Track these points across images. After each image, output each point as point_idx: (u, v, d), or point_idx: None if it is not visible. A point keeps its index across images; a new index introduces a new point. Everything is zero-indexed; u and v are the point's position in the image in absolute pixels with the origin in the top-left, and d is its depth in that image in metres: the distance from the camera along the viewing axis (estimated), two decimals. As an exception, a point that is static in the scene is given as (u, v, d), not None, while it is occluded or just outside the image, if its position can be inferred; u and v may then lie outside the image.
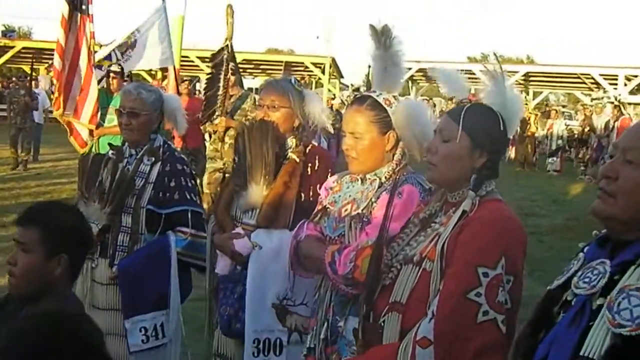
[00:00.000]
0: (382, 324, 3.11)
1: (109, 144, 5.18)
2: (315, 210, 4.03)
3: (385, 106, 3.74)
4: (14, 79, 22.24)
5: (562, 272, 2.50)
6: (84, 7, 9.76)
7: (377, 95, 3.77)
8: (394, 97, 3.80)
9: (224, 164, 10.92)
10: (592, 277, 2.29)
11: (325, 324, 3.72)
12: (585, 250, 2.50)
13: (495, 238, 2.91)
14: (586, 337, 2.18)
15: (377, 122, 3.72)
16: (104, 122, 10.32)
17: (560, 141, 26.52)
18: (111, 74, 11.12)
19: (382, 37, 3.76)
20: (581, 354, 2.16)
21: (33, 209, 3.38)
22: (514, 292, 2.91)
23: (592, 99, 32.13)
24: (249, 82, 37.79)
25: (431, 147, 3.16)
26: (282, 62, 41.60)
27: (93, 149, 9.68)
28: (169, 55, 11.20)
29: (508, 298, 2.87)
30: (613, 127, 22.62)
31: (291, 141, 4.54)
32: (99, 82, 10.74)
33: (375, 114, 3.72)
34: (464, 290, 2.81)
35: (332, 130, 5.85)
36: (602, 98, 27.26)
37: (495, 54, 3.31)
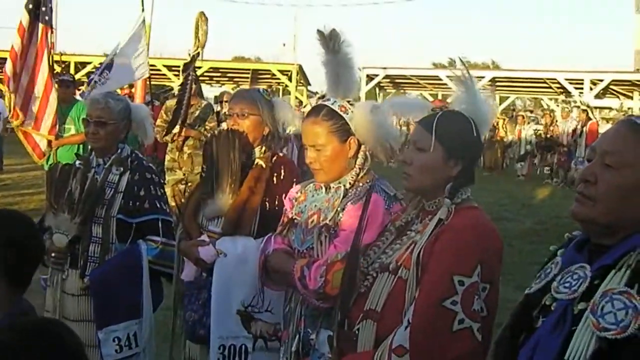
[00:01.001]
0: (357, 331, 3.10)
1: (76, 154, 5.15)
2: (282, 222, 4.02)
3: (342, 113, 3.72)
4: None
5: (538, 276, 2.50)
6: (46, 17, 9.69)
7: (332, 104, 3.76)
8: (349, 102, 3.79)
9: (184, 174, 10.86)
10: (572, 282, 2.29)
11: (297, 337, 3.71)
12: (559, 253, 2.50)
13: (471, 246, 2.91)
14: (569, 342, 2.17)
15: (336, 132, 3.71)
16: (61, 133, 10.23)
17: (528, 146, 26.68)
18: (62, 85, 10.88)
19: (331, 41, 3.74)
20: (565, 358, 2.16)
21: None
22: (490, 300, 2.91)
23: (559, 103, 32.24)
24: (216, 90, 37.68)
25: (406, 158, 3.16)
26: (249, 70, 41.56)
27: (50, 159, 9.62)
28: (145, 67, 11.08)
29: (484, 306, 2.88)
30: (582, 131, 22.76)
31: (259, 150, 4.56)
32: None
33: (333, 123, 3.71)
34: (440, 299, 2.82)
35: None
36: (569, 102, 27.40)
37: (461, 59, 3.31)
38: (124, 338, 4.70)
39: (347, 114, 3.73)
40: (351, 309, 3.19)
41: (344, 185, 3.76)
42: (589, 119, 23.12)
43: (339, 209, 3.71)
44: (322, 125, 3.72)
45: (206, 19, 10.34)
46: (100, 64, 11.03)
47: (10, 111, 10.15)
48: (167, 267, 4.87)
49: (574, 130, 23.31)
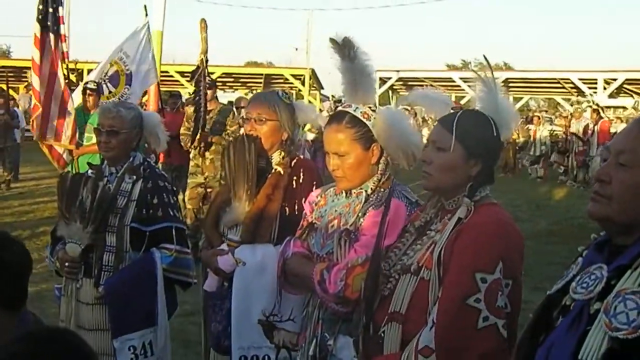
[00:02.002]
0: (382, 334, 3.11)
1: (88, 163, 5.15)
2: (301, 226, 3.99)
3: (364, 120, 3.69)
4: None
5: (561, 277, 2.49)
6: (55, 27, 9.70)
7: (354, 110, 3.72)
8: (371, 108, 3.75)
9: (205, 179, 10.92)
10: (589, 282, 2.28)
11: (314, 341, 3.68)
12: (584, 254, 2.49)
13: (491, 242, 2.92)
14: (584, 342, 2.17)
15: (360, 139, 3.68)
16: (82, 140, 10.28)
17: (543, 147, 26.56)
18: (87, 92, 11.00)
19: (346, 49, 3.71)
20: (579, 358, 2.15)
21: None
22: (513, 296, 2.92)
23: (572, 104, 32.31)
24: (229, 95, 37.79)
25: (425, 157, 3.16)
26: (261, 74, 41.68)
27: (72, 168, 9.64)
28: (153, 73, 11.08)
29: (507, 302, 2.88)
30: (593, 130, 22.71)
31: (278, 155, 4.52)
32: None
33: (356, 131, 3.67)
34: (463, 297, 2.83)
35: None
36: (582, 103, 27.40)
37: (485, 58, 3.29)
38: (139, 346, 4.69)
39: (370, 120, 3.69)
40: (375, 312, 3.19)
41: (366, 191, 3.74)
42: (601, 117, 23.07)
43: (360, 213, 3.69)
44: (345, 133, 3.68)
45: (206, 26, 10.44)
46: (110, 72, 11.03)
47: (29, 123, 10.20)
48: (181, 275, 4.88)
49: (585, 130, 23.24)
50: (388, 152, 3.72)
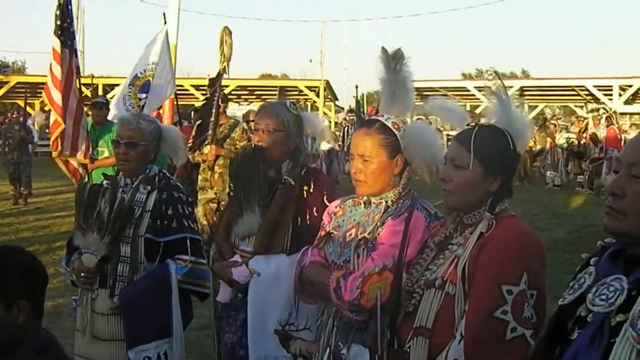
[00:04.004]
0: (408, 349, 3.12)
1: (103, 174, 5.15)
2: (319, 235, 4.00)
3: (394, 130, 3.72)
4: (14, 114, 22.15)
5: (571, 286, 2.47)
6: (69, 42, 9.70)
7: (386, 120, 3.76)
8: (402, 121, 3.78)
9: (215, 194, 10.87)
10: (608, 294, 2.25)
11: (328, 350, 3.70)
12: (592, 262, 2.46)
13: (515, 254, 2.94)
14: (608, 355, 2.14)
15: (386, 146, 3.71)
16: (95, 155, 10.29)
17: (561, 155, 26.48)
18: (97, 106, 10.98)
19: (394, 61, 3.76)
20: None
21: None
22: (538, 306, 2.93)
23: (588, 111, 32.16)
24: (244, 108, 37.83)
25: (445, 175, 3.18)
26: (276, 87, 41.69)
27: (88, 182, 9.64)
28: (172, 85, 11.01)
29: (534, 312, 2.90)
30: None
31: (287, 165, 4.53)
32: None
33: (385, 138, 3.70)
34: (490, 309, 2.85)
35: (336, 147, 5.89)
36: (599, 109, 27.29)
37: (496, 72, 3.31)
38: (154, 357, 4.68)
39: (400, 131, 3.73)
40: (400, 328, 3.22)
41: (386, 202, 3.75)
42: (610, 124, 23.01)
43: (378, 223, 3.70)
44: (373, 137, 3.72)
45: (230, 32, 10.36)
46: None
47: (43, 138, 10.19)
48: (197, 286, 4.87)
49: (595, 136, 23.19)
50: (413, 165, 3.76)
